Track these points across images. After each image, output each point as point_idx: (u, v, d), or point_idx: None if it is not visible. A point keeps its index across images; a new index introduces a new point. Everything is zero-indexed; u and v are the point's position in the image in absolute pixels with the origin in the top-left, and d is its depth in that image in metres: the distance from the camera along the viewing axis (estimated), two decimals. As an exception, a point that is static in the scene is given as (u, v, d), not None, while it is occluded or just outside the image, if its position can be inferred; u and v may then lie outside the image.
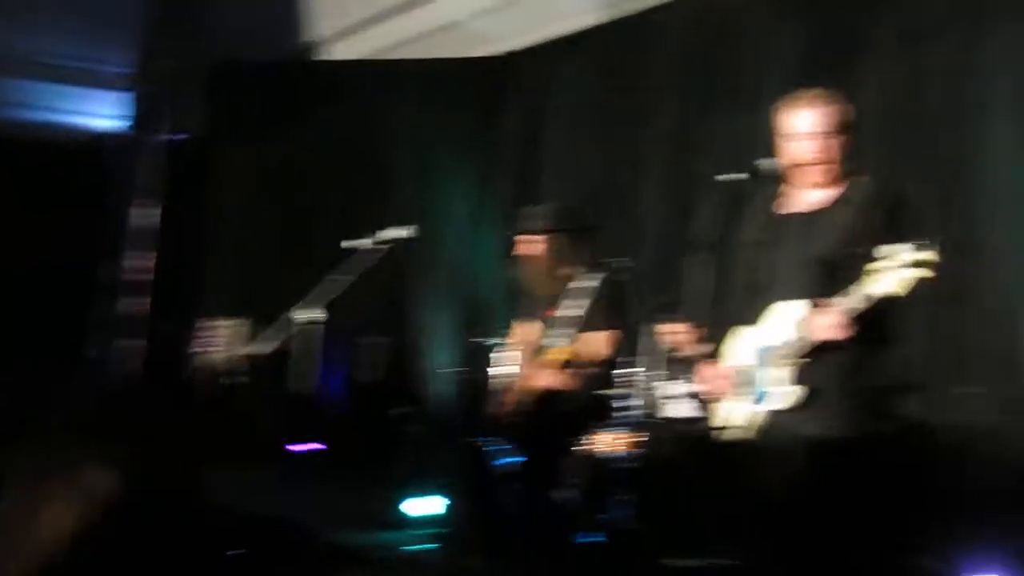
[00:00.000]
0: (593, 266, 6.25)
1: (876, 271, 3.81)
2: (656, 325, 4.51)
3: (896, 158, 7.77)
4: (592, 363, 6.14)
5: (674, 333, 8.09)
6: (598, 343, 6.12)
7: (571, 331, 6.12)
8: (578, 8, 10.98)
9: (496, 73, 11.85)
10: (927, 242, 3.70)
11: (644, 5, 10.24)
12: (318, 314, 6.66)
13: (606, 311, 6.18)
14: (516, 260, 6.41)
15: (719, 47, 9.39)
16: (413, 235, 6.91)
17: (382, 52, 12.92)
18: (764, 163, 4.42)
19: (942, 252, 7.01)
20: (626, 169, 10.19)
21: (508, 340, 6.89)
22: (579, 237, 6.32)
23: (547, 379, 6.16)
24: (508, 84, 11.77)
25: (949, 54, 7.59)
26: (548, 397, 6.18)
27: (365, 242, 6.87)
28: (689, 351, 7.71)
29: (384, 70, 12.48)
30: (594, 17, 10.92)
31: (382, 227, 7.01)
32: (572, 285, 6.16)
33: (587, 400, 6.11)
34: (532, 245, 6.31)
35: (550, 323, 6.20)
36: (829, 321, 3.99)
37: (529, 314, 6.48)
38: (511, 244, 6.50)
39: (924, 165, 7.62)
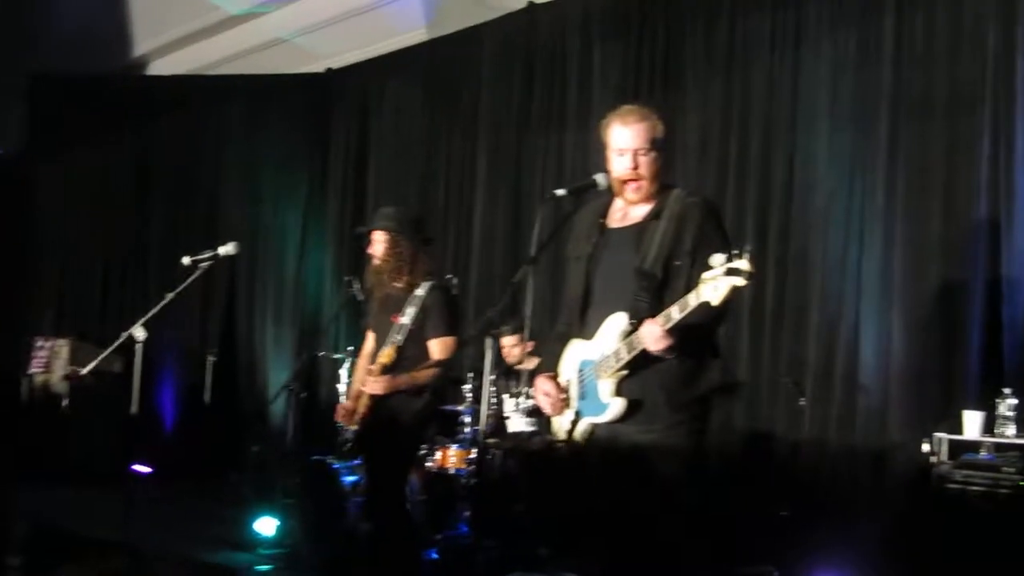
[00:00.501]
0: (431, 275, 6.34)
1: (698, 282, 3.96)
2: (489, 339, 4.59)
3: (719, 173, 8.08)
4: (425, 369, 6.15)
5: (509, 347, 8.27)
6: (431, 350, 6.19)
7: (400, 338, 6.17)
8: (402, 27, 11.10)
9: (322, 89, 11.91)
10: (739, 252, 3.84)
11: (466, 24, 10.40)
12: (142, 333, 6.57)
13: (438, 319, 6.21)
14: (366, 259, 6.48)
15: (543, 65, 9.59)
16: (237, 251, 6.87)
17: (208, 68, 12.88)
18: (598, 177, 4.58)
19: (763, 264, 7.42)
20: (454, 184, 10.33)
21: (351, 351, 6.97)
22: (422, 244, 6.41)
23: (374, 386, 6.21)
24: (334, 100, 11.84)
25: (770, 71, 7.92)
26: (379, 405, 6.21)
27: (197, 258, 6.82)
28: (522, 365, 7.88)
29: (209, 85, 12.44)
30: (418, 35, 11.06)
31: (212, 242, 6.99)
32: (415, 292, 6.22)
33: (425, 409, 6.17)
34: (381, 243, 6.35)
35: (395, 330, 6.24)
36: (652, 333, 4.10)
37: (373, 321, 6.53)
38: (364, 241, 6.57)
39: (745, 180, 7.93)
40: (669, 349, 4.20)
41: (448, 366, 6.27)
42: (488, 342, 4.55)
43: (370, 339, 6.56)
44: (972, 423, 6.15)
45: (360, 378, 6.51)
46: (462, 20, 10.48)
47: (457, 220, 10.21)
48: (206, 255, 6.86)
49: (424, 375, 6.18)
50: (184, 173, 12.29)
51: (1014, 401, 6.00)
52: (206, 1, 12.18)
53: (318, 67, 12.02)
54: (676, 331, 4.17)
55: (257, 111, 12.05)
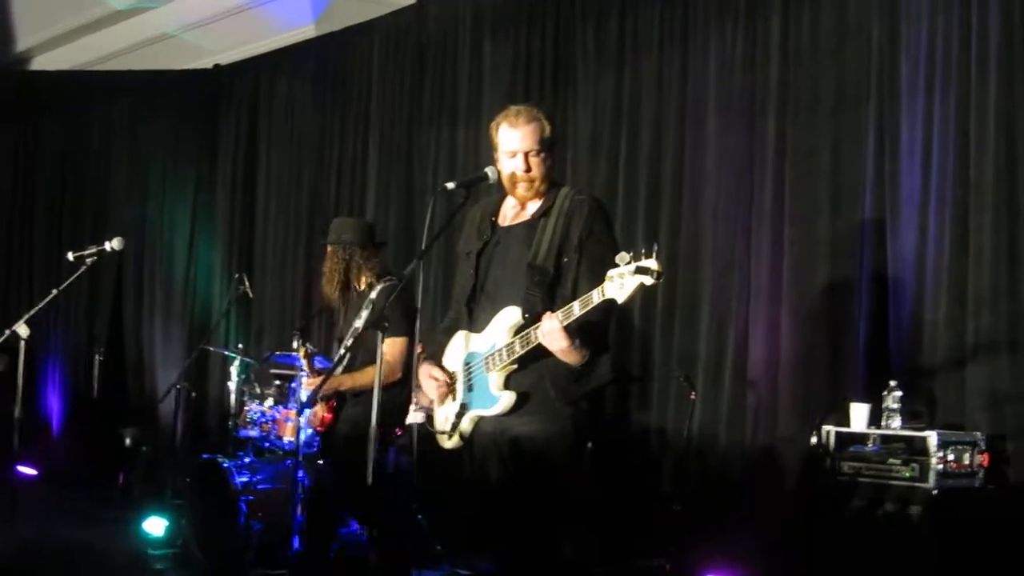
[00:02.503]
0: (387, 277, 6.39)
1: (605, 278, 3.98)
2: (380, 333, 4.57)
3: (609, 169, 8.12)
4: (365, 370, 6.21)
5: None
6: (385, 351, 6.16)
7: (350, 341, 6.19)
8: (291, 23, 11.03)
9: (210, 86, 11.79)
10: (647, 251, 3.87)
11: (356, 20, 10.36)
12: (25, 330, 6.47)
13: (390, 319, 6.22)
14: (323, 268, 6.56)
15: (434, 61, 9.57)
16: (123, 247, 6.79)
17: (94, 63, 12.69)
18: (488, 170, 4.59)
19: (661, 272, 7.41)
20: (345, 181, 10.29)
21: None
22: (372, 249, 6.47)
23: (304, 389, 6.35)
24: (223, 97, 11.72)
25: (659, 68, 7.96)
26: (336, 410, 6.22)
27: (82, 253, 6.72)
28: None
29: (95, 80, 12.25)
30: (307, 32, 11.00)
31: (99, 238, 6.89)
32: (369, 295, 6.29)
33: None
34: (331, 255, 6.46)
35: (349, 334, 6.30)
36: (551, 329, 4.11)
37: (333, 325, 6.63)
38: (322, 253, 6.64)
39: (636, 177, 7.98)
40: (567, 349, 4.22)
41: (404, 368, 6.17)
42: (379, 336, 4.53)
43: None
44: (859, 416, 6.24)
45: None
46: (351, 16, 10.44)
47: (349, 216, 10.12)
48: (91, 250, 6.76)
49: (369, 376, 6.01)
50: (71, 169, 12.10)
51: (899, 394, 6.10)
52: (91, -5, 12.01)
53: (206, 63, 11.89)
54: (573, 330, 4.19)
55: (144, 107, 11.89)
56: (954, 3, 6.46)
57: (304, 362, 6.58)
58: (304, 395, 6.47)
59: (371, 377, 5.95)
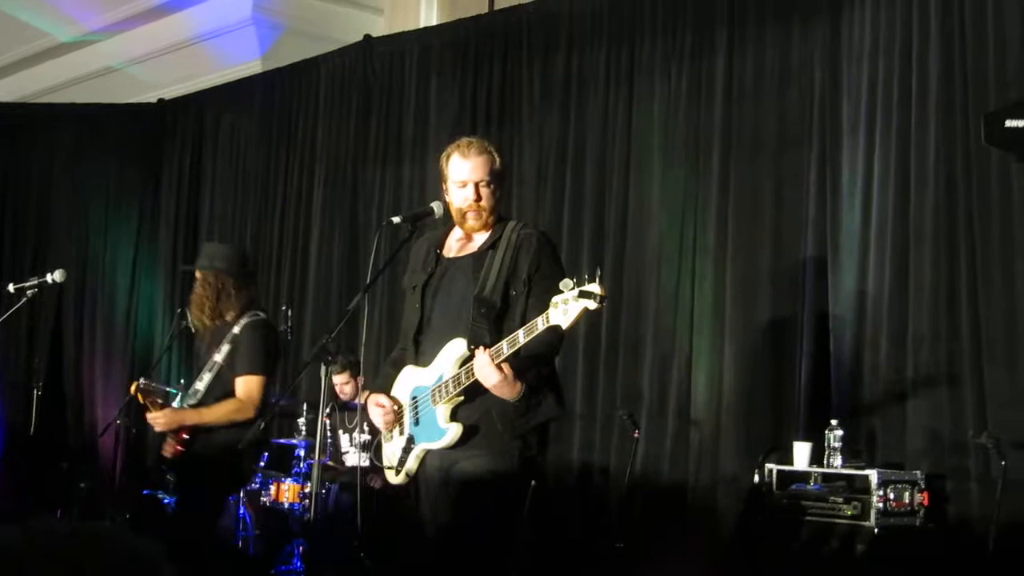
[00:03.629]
0: (252, 311, 6.15)
1: (549, 305, 3.99)
2: (323, 367, 4.54)
3: (554, 206, 8.15)
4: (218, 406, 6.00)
5: (340, 384, 8.21)
6: (240, 387, 5.97)
7: (210, 375, 5.99)
8: (236, 58, 11.03)
9: (154, 120, 11.73)
10: (590, 276, 3.88)
11: (302, 56, 10.36)
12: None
13: (245, 356, 6.01)
14: (192, 295, 6.28)
15: (380, 98, 9.58)
16: (64, 279, 6.73)
17: (37, 95, 12.62)
18: (434, 205, 4.60)
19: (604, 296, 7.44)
20: (290, 217, 10.26)
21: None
22: (244, 280, 6.21)
23: (154, 420, 6.01)
24: (167, 131, 11.67)
25: (605, 106, 8.01)
26: (187, 442, 5.98)
27: (22, 285, 6.66)
28: (356, 396, 7.82)
29: (38, 113, 12.16)
30: (253, 67, 10.99)
31: (41, 270, 6.83)
32: (232, 329, 6.03)
33: (224, 450, 5.86)
34: (203, 282, 6.20)
35: (207, 367, 6.05)
36: (482, 364, 4.11)
37: (199, 361, 6.37)
38: (189, 279, 6.49)
39: (580, 214, 8.01)
40: (500, 385, 4.21)
41: (259, 405, 5.97)
42: (323, 369, 4.50)
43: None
44: (801, 454, 6.27)
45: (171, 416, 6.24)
46: (298, 52, 10.45)
47: (293, 253, 10.13)
48: (32, 282, 6.69)
49: (218, 412, 5.95)
50: (12, 201, 11.97)
51: (840, 432, 6.14)
52: (35, 28, 11.94)
53: (151, 97, 11.84)
54: (512, 363, 4.18)
55: (87, 140, 11.79)
56: (895, 44, 6.56)
57: (139, 397, 6.31)
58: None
59: (222, 414, 5.92)
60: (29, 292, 6.72)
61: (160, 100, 11.76)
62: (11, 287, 6.77)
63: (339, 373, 7.95)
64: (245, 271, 6.33)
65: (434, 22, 10.06)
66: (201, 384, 6.07)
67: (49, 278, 6.72)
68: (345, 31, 10.24)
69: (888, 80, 6.58)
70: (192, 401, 6.09)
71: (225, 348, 6.04)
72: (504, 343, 4.16)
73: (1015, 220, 5.97)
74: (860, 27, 6.75)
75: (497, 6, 9.51)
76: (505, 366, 4.19)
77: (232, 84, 11.13)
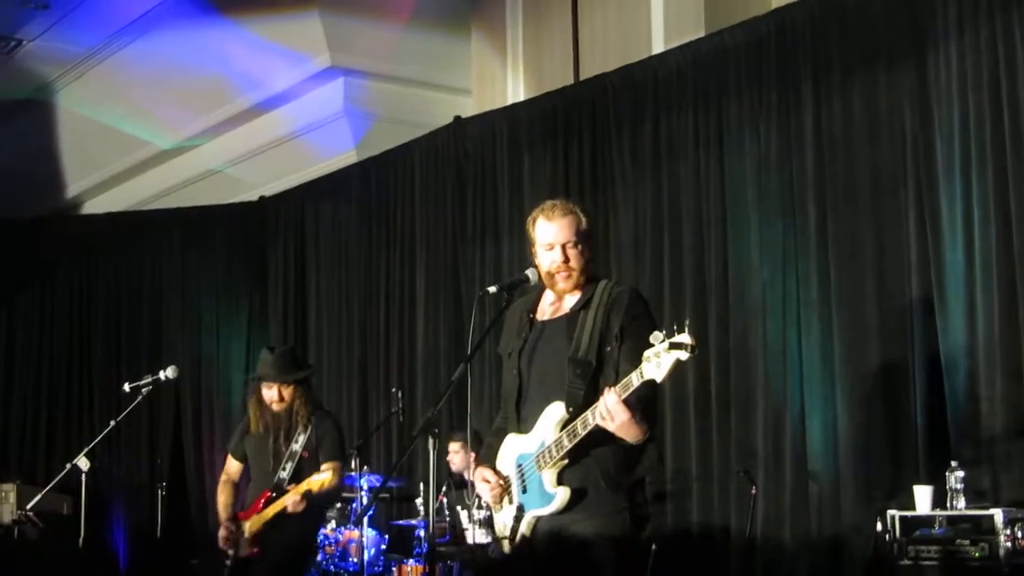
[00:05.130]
0: (314, 406, 6.89)
1: (631, 364, 4.01)
2: (431, 439, 4.58)
3: (654, 270, 8.17)
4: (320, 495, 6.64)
5: (452, 453, 8.25)
6: (323, 476, 6.59)
7: (292, 464, 6.65)
8: (332, 151, 11.24)
9: (257, 217, 11.98)
10: (679, 327, 3.90)
11: (395, 142, 10.53)
12: (85, 463, 6.66)
13: (330, 445, 6.76)
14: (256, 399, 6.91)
15: (474, 177, 9.71)
16: (176, 375, 7.08)
17: (143, 203, 12.95)
18: (529, 272, 4.65)
19: (705, 356, 7.49)
20: (395, 301, 10.38)
21: None
22: (305, 380, 6.92)
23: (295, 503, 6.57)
24: (269, 227, 11.90)
25: (696, 168, 8.04)
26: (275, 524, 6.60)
27: (137, 384, 6.92)
28: (465, 468, 7.85)
29: (145, 219, 12.49)
30: (348, 158, 11.18)
31: (156, 370, 7.07)
32: (306, 422, 6.74)
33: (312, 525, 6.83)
34: (270, 389, 6.79)
35: (287, 457, 6.71)
36: (611, 403, 4.09)
37: (252, 448, 6.95)
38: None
39: (681, 276, 8.04)
40: (628, 423, 4.21)
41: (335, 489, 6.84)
42: (431, 442, 4.54)
43: (232, 463, 7.08)
44: (923, 498, 6.18)
45: (225, 502, 6.92)
46: (391, 139, 10.62)
47: (400, 336, 10.25)
48: (147, 380, 6.87)
49: (320, 482, 6.56)
50: (125, 308, 12.25)
51: (961, 473, 6.05)
52: (136, 138, 12.27)
53: (252, 195, 12.10)
54: (633, 403, 4.19)
55: (194, 242, 12.08)
56: (983, 80, 6.51)
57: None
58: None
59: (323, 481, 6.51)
60: (144, 390, 6.88)
61: (261, 197, 12.01)
62: (126, 386, 6.96)
63: (454, 440, 8.08)
64: (305, 371, 7.03)
65: (521, 97, 10.17)
66: (284, 473, 6.67)
67: (162, 375, 6.91)
68: (435, 114, 10.39)
69: (980, 117, 6.53)
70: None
71: (302, 439, 6.72)
72: (632, 376, 4.17)
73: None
74: (947, 66, 6.72)
75: (582, 76, 9.60)
76: (629, 407, 4.19)
77: (329, 176, 11.35)
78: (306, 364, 7.16)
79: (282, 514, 6.56)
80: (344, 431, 7.09)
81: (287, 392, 6.78)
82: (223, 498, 6.93)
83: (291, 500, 6.54)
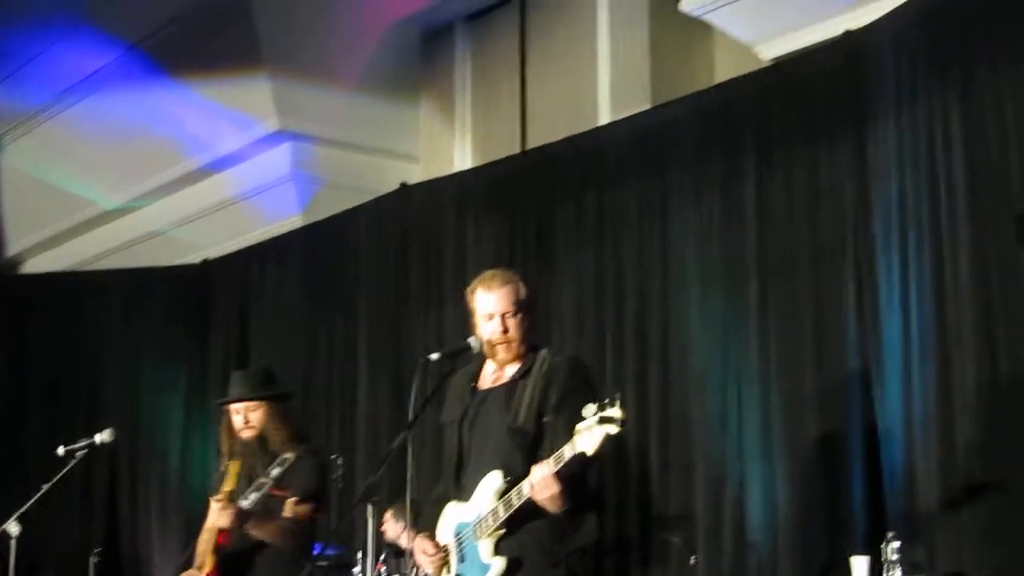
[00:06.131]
0: (294, 434, 6.14)
1: (568, 434, 4.04)
2: (370, 507, 4.58)
3: (596, 340, 8.20)
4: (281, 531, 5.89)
5: (387, 522, 8.21)
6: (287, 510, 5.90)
7: (257, 495, 5.77)
8: (277, 215, 11.22)
9: (199, 280, 11.92)
10: (610, 400, 3.93)
11: (341, 208, 10.55)
12: (16, 528, 6.47)
13: (303, 483, 5.96)
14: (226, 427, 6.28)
15: (418, 244, 9.73)
16: (113, 438, 6.78)
17: (84, 263, 12.86)
18: (471, 340, 4.68)
19: (646, 427, 7.52)
20: (336, 366, 10.35)
21: None
22: (281, 404, 6.21)
23: (223, 517, 5.75)
24: (212, 291, 11.84)
25: (639, 240, 8.10)
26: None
27: (72, 447, 6.75)
28: (400, 537, 7.81)
29: (86, 281, 12.40)
30: (293, 222, 11.18)
31: (91, 433, 6.92)
32: (284, 455, 5.88)
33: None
34: (237, 414, 6.13)
35: (255, 487, 5.85)
36: (542, 476, 4.10)
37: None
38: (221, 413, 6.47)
39: (623, 347, 8.07)
40: (559, 496, 4.22)
41: (302, 528, 5.97)
42: (370, 510, 4.54)
43: (213, 507, 6.05)
44: (860, 569, 6.21)
45: (204, 551, 6.08)
46: (337, 204, 10.62)
47: (342, 402, 10.20)
48: (82, 444, 6.76)
49: (277, 525, 5.86)
50: (63, 370, 12.12)
51: (897, 544, 6.07)
52: (81, 197, 12.21)
53: (195, 258, 12.04)
54: (563, 477, 4.21)
55: (135, 304, 11.98)
56: (920, 159, 6.62)
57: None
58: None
59: (275, 530, 5.79)
60: (79, 454, 6.77)
61: (204, 260, 11.95)
62: (61, 449, 6.84)
63: (386, 511, 8.00)
64: (280, 393, 6.31)
65: (468, 165, 10.23)
66: (246, 503, 5.79)
67: (98, 439, 6.78)
68: (382, 180, 10.41)
69: (917, 194, 6.62)
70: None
71: (275, 472, 5.82)
72: (551, 460, 4.18)
73: (1054, 321, 5.95)
74: (885, 143, 6.83)
75: (529, 145, 9.68)
76: (560, 480, 4.21)
77: (274, 240, 11.31)
78: (280, 384, 6.43)
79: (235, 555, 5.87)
80: (328, 471, 6.46)
81: (255, 416, 6.08)
82: (200, 547, 6.14)
83: (217, 512, 5.79)
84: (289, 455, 5.91)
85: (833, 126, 7.17)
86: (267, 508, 5.87)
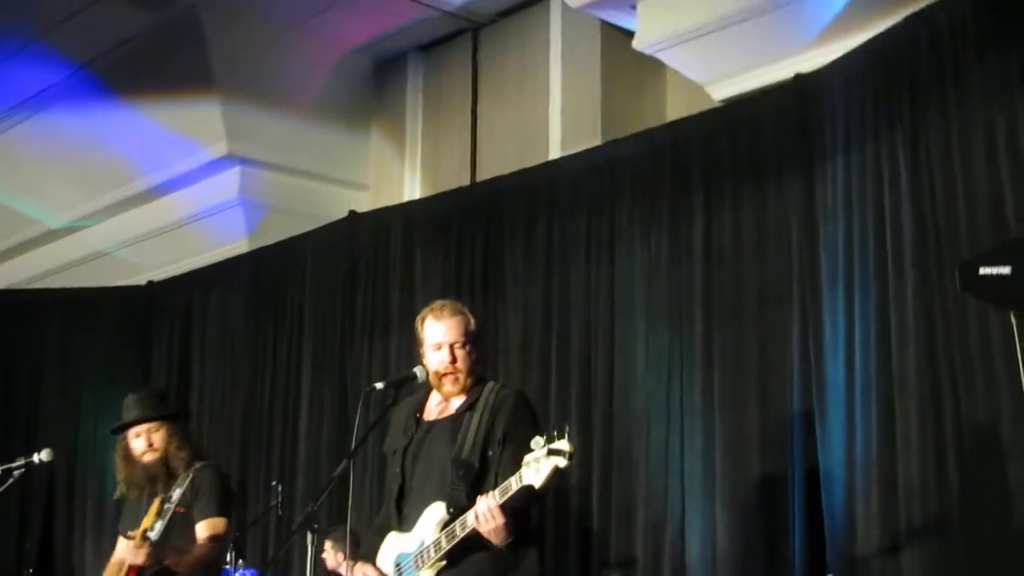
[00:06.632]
0: (197, 457, 5.99)
1: (512, 468, 4.03)
2: (310, 534, 4.54)
3: (541, 372, 8.20)
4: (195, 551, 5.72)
5: (329, 549, 8.15)
6: (199, 532, 5.75)
7: (163, 522, 5.66)
8: (224, 238, 11.16)
9: (144, 302, 11.83)
10: (559, 433, 3.93)
11: (288, 233, 10.51)
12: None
13: (208, 499, 5.81)
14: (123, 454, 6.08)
15: (366, 272, 9.70)
16: (51, 458, 6.67)
17: (27, 281, 12.73)
18: (417, 370, 4.67)
19: (588, 462, 7.50)
20: (279, 392, 10.28)
21: None
22: (179, 423, 6.11)
23: (136, 555, 5.55)
24: (155, 313, 11.75)
25: (587, 272, 8.12)
26: None
27: (9, 466, 6.63)
28: (340, 566, 7.77)
29: (28, 299, 12.26)
30: (240, 246, 11.12)
31: (29, 452, 6.81)
32: (183, 473, 5.82)
33: None
34: (137, 438, 5.97)
35: (161, 514, 5.72)
36: (488, 507, 4.09)
37: (129, 519, 6.02)
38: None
39: (568, 380, 8.06)
40: (503, 528, 4.21)
41: (218, 549, 5.89)
42: (309, 537, 4.50)
43: (121, 543, 5.91)
44: (798, 610, 6.23)
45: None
46: (284, 230, 10.58)
47: (284, 427, 10.15)
48: (19, 463, 6.66)
49: (194, 556, 5.71)
50: (2, 388, 11.98)
51: (836, 585, 6.11)
52: (25, 216, 12.10)
53: (140, 279, 11.94)
54: (508, 510, 4.20)
55: (77, 324, 11.86)
56: (868, 200, 6.66)
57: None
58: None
59: (198, 556, 5.63)
60: (16, 472, 6.68)
61: (149, 282, 11.86)
62: (8, 466, 6.74)
63: (332, 538, 7.95)
64: (176, 412, 6.23)
65: (417, 195, 10.23)
66: (152, 534, 5.67)
67: (36, 458, 6.68)
68: (331, 208, 10.39)
69: (864, 235, 6.67)
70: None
71: (178, 492, 5.76)
72: (512, 480, 4.16)
73: (997, 368, 5.97)
74: (833, 184, 6.88)
75: (479, 178, 9.69)
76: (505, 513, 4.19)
77: (220, 264, 11.25)
78: (176, 404, 6.27)
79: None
80: (229, 481, 6.17)
81: (157, 437, 5.95)
82: None
83: (130, 550, 5.60)
84: (187, 472, 5.88)
85: (782, 166, 7.22)
86: (176, 528, 5.77)
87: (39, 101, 10.82)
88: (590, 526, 7.74)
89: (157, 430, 5.99)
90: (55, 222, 12.13)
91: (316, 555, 5.57)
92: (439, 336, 4.60)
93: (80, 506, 11.53)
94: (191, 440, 6.15)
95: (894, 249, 6.49)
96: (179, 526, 5.79)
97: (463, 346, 4.59)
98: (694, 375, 7.38)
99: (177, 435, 6.02)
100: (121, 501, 6.34)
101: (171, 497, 5.77)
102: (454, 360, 4.56)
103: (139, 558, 5.63)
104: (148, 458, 5.98)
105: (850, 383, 6.60)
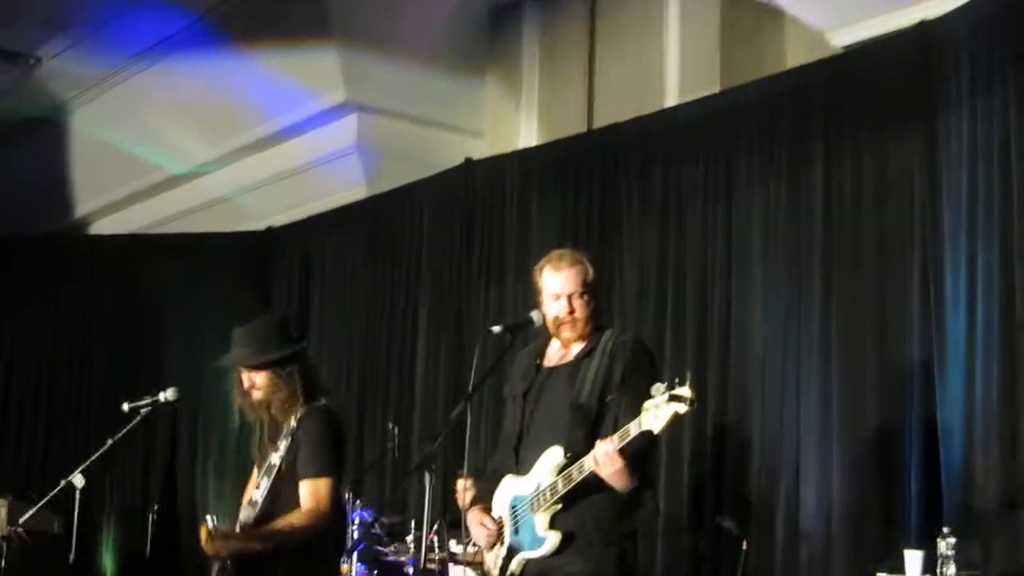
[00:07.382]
0: (304, 396, 5.28)
1: (633, 412, 4.05)
2: (428, 475, 4.61)
3: (656, 320, 8.18)
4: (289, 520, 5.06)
5: (461, 491, 8.24)
6: (300, 495, 5.08)
7: (267, 482, 5.12)
8: (342, 185, 11.28)
9: (263, 247, 12.02)
10: (680, 379, 3.94)
11: (405, 180, 10.58)
12: (80, 480, 6.49)
13: (308, 455, 5.10)
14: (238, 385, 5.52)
15: (482, 218, 9.74)
16: (176, 397, 6.64)
17: (150, 227, 13.00)
18: (533, 314, 4.70)
19: (703, 408, 7.49)
20: (396, 338, 10.40)
21: None
22: (284, 364, 5.34)
23: (214, 547, 5.01)
24: (275, 258, 11.94)
25: (703, 220, 8.06)
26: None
27: (136, 404, 6.71)
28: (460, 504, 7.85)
29: (151, 244, 12.53)
30: (358, 192, 11.23)
31: (155, 392, 6.91)
32: (289, 422, 5.17)
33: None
34: (249, 376, 5.40)
35: (264, 472, 5.22)
36: (605, 452, 4.13)
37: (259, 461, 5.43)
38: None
39: (683, 326, 8.03)
40: (623, 472, 4.24)
41: (321, 518, 5.08)
42: (427, 478, 4.57)
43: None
44: (913, 563, 6.15)
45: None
46: (401, 177, 10.66)
47: (400, 372, 10.27)
48: (146, 401, 6.79)
49: (284, 536, 5.04)
50: (127, 330, 12.28)
51: (952, 540, 6.03)
52: (147, 162, 12.33)
53: (259, 225, 12.13)
54: (627, 453, 4.22)
55: (198, 269, 12.11)
56: (993, 149, 6.53)
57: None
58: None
59: (297, 525, 4.97)
60: (143, 411, 6.81)
61: (268, 227, 12.04)
62: (125, 406, 6.86)
63: (463, 478, 7.99)
64: (292, 350, 5.43)
65: (533, 142, 10.22)
66: (259, 492, 5.19)
67: (162, 396, 6.80)
68: (447, 155, 10.43)
69: (988, 185, 6.54)
70: (249, 513, 5.21)
71: (283, 445, 5.16)
72: (631, 426, 4.18)
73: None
74: (957, 133, 6.74)
75: (595, 125, 9.66)
76: (624, 456, 4.22)
77: (338, 210, 11.39)
78: (290, 338, 5.51)
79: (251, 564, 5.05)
80: (339, 426, 5.36)
81: (259, 378, 5.34)
82: None
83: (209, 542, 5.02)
84: (293, 420, 5.26)
85: (904, 115, 7.08)
86: (282, 490, 5.16)
87: (160, 50, 10.99)
88: (705, 474, 7.74)
89: (258, 371, 5.40)
90: (176, 168, 12.35)
91: (433, 496, 5.61)
92: (558, 286, 4.62)
93: (203, 444, 11.81)
94: (299, 381, 5.34)
95: (1019, 200, 6.37)
96: (285, 486, 5.16)
97: (581, 296, 4.61)
98: (812, 325, 7.31)
99: (281, 379, 5.33)
100: (242, 430, 6.07)
101: (278, 448, 5.20)
102: (572, 310, 4.58)
103: (223, 550, 5.10)
104: (255, 395, 5.40)
105: (971, 336, 6.50)
